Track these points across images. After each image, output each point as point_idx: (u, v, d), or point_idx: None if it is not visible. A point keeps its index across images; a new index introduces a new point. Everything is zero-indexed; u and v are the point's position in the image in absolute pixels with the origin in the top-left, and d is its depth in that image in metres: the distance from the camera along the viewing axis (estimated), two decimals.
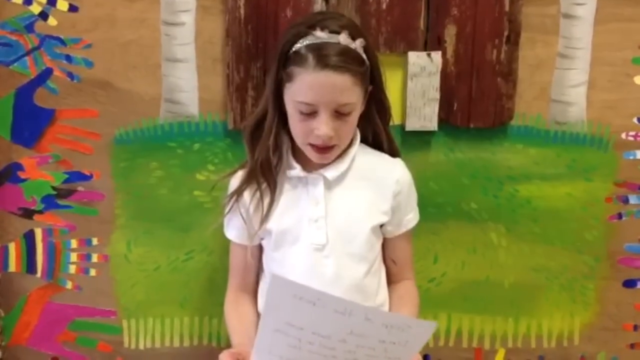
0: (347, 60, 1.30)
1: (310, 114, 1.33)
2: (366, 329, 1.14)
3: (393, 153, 1.48)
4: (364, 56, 1.34)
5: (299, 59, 1.31)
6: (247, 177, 1.42)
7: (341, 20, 1.36)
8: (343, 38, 1.31)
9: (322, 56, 1.29)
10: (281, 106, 1.38)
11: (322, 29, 1.32)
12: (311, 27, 1.33)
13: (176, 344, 1.75)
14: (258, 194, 1.41)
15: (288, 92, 1.35)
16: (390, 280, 1.50)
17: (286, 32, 1.37)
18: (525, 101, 1.65)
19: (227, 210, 1.45)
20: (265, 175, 1.40)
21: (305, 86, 1.31)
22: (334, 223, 1.40)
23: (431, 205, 1.66)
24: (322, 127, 1.32)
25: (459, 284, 1.74)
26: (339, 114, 1.33)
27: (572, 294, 1.74)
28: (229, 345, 1.47)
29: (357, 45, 1.33)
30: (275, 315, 1.17)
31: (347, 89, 1.31)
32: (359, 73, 1.33)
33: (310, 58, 1.30)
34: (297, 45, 1.32)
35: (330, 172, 1.40)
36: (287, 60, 1.34)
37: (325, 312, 1.13)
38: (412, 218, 1.49)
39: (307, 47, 1.31)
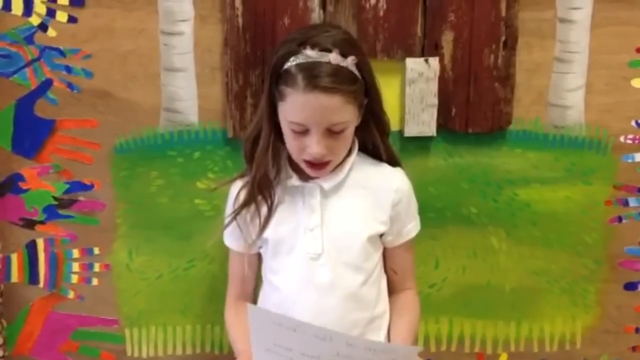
0: (337, 81, 1.29)
1: (303, 132, 1.32)
2: (351, 352, 1.18)
3: (392, 163, 1.47)
4: (357, 73, 1.33)
5: (289, 78, 1.30)
6: (248, 198, 1.41)
7: (335, 36, 1.33)
8: (333, 57, 1.29)
9: (311, 77, 1.28)
10: (277, 120, 1.37)
11: (313, 47, 1.30)
12: (302, 45, 1.31)
13: (179, 352, 1.75)
14: (254, 203, 1.41)
15: (281, 109, 1.34)
16: (392, 290, 1.49)
17: (279, 48, 1.36)
18: (523, 105, 1.65)
19: (226, 225, 1.45)
20: (263, 192, 1.40)
21: (296, 107, 1.30)
22: (329, 232, 1.39)
23: (431, 210, 1.67)
24: (314, 146, 1.31)
25: (460, 289, 1.74)
26: (331, 132, 1.32)
27: (573, 297, 1.74)
28: (231, 353, 1.49)
29: (349, 63, 1.31)
30: (262, 338, 1.24)
31: (338, 109, 1.30)
32: (351, 92, 1.31)
33: (300, 79, 1.28)
34: (288, 64, 1.31)
35: (327, 182, 1.40)
36: (278, 78, 1.33)
37: (307, 338, 1.18)
38: (412, 228, 1.47)
39: (297, 66, 1.30)
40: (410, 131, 1.63)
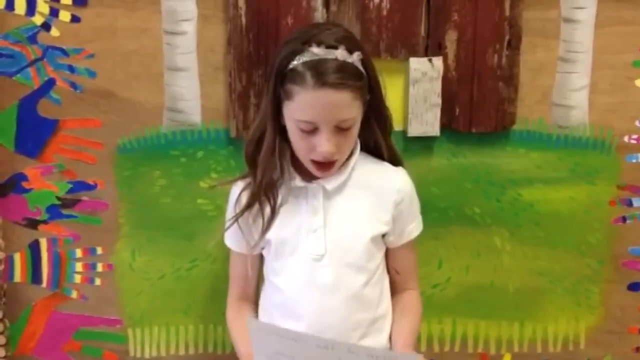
0: (345, 77, 1.29)
1: (311, 131, 1.32)
2: (353, 359, 1.19)
3: (395, 162, 1.47)
4: (362, 69, 1.33)
5: (296, 77, 1.30)
6: (251, 200, 1.40)
7: (337, 33, 1.33)
8: (340, 53, 1.29)
9: (320, 74, 1.28)
10: (280, 121, 1.37)
11: (318, 45, 1.30)
12: (306, 43, 1.30)
13: (181, 351, 1.75)
14: (258, 205, 1.40)
15: (287, 109, 1.34)
16: (394, 290, 1.49)
17: (281, 49, 1.35)
18: (527, 105, 1.65)
19: (227, 227, 1.44)
20: (267, 194, 1.39)
21: (305, 105, 1.30)
22: (332, 233, 1.39)
23: (434, 210, 1.66)
24: (324, 144, 1.31)
25: (463, 289, 1.73)
26: (339, 129, 1.32)
27: (577, 297, 1.74)
28: (233, 353, 1.49)
29: (355, 59, 1.31)
30: (264, 348, 1.25)
31: (346, 105, 1.30)
32: (358, 87, 1.31)
33: (308, 76, 1.28)
34: (294, 63, 1.30)
35: (330, 183, 1.39)
36: (284, 78, 1.32)
37: (309, 347, 1.20)
38: (414, 228, 1.47)
39: (304, 64, 1.29)
40: (414, 131, 1.63)
